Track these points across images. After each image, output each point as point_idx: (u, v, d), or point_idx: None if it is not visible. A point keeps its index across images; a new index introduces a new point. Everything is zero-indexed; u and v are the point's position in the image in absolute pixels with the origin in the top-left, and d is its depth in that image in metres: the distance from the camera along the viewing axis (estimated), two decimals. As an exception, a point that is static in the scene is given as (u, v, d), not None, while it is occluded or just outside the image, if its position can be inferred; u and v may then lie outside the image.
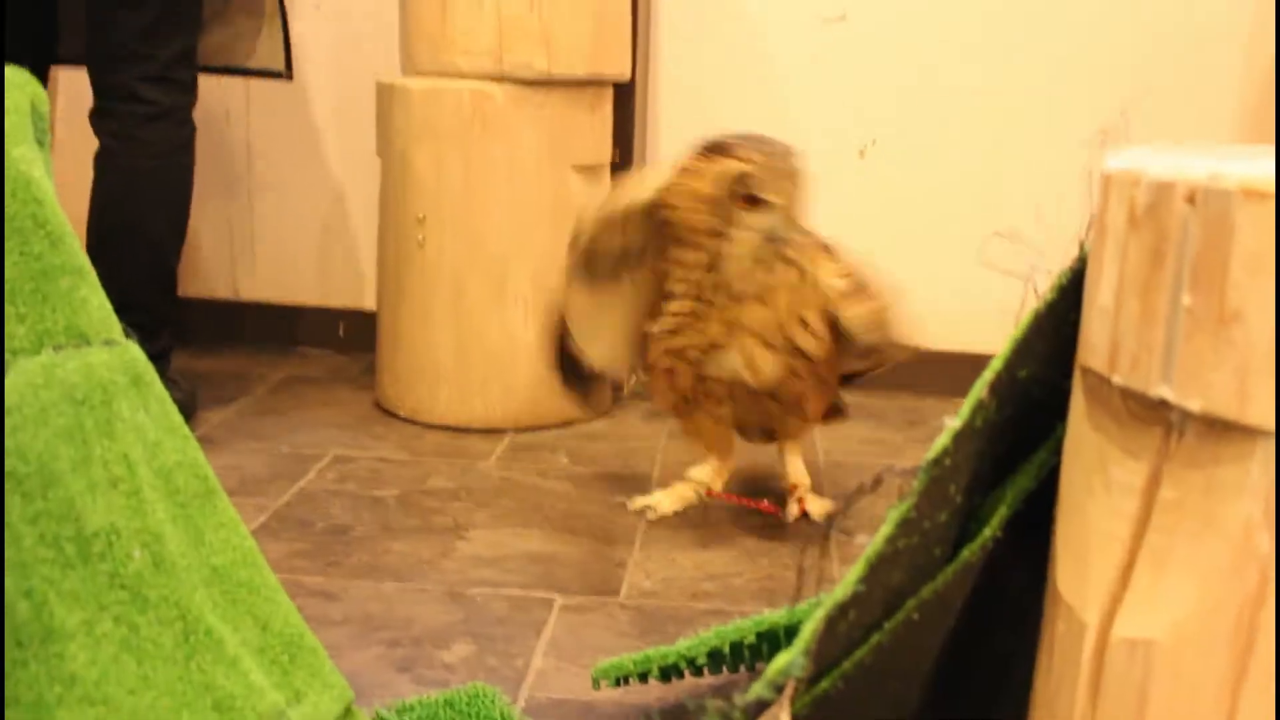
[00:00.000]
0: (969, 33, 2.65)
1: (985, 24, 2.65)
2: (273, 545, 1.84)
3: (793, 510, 2.03)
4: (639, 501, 2.06)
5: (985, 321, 2.20)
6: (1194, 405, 0.75)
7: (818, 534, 1.98)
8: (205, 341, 2.98)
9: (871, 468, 2.29)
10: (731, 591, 1.76)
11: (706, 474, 2.07)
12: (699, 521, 2.02)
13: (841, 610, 0.76)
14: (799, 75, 2.72)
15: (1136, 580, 0.80)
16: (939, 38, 2.66)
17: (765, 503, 2.05)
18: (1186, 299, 0.74)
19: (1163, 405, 0.77)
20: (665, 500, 2.05)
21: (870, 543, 0.77)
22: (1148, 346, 0.77)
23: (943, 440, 0.80)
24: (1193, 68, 2.59)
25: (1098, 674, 0.82)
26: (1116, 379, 0.80)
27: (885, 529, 0.77)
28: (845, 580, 0.77)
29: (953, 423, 0.80)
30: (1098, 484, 0.83)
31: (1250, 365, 0.72)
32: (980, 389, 0.83)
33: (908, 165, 2.72)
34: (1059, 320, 0.88)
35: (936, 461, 0.79)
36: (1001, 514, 0.88)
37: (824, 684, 0.81)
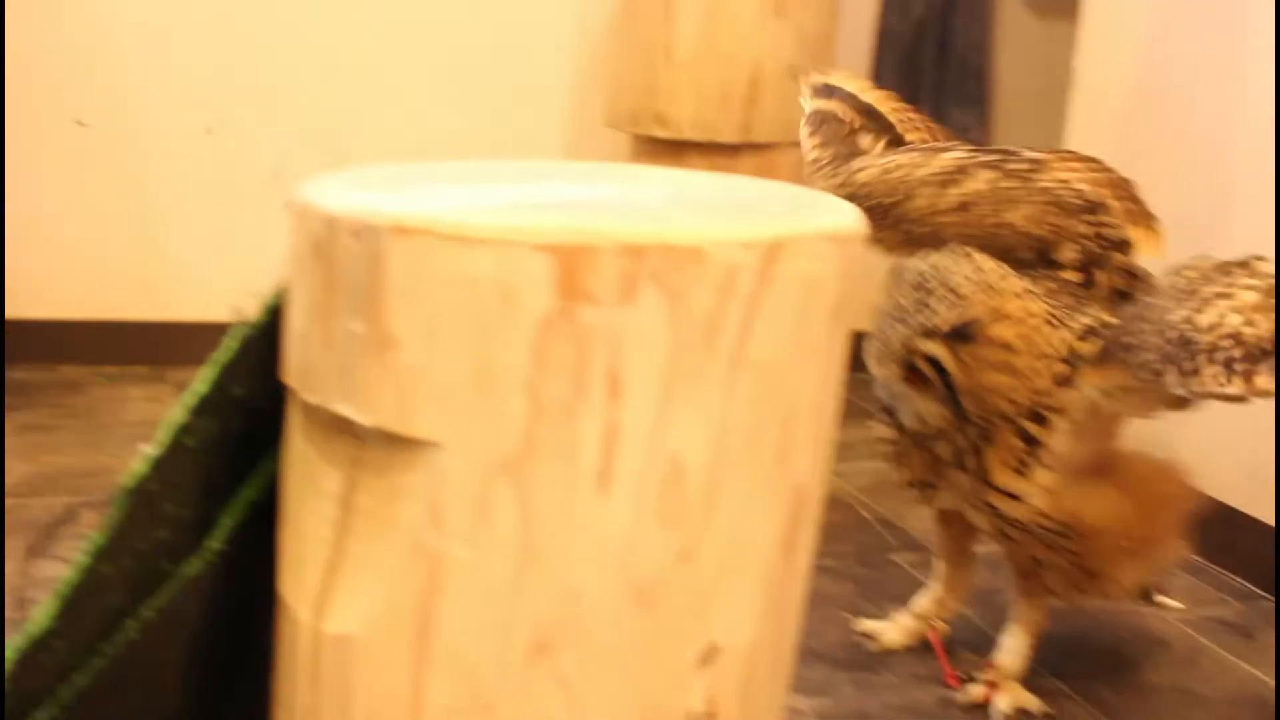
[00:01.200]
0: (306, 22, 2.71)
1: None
2: None
3: (974, 692, 1.61)
4: (865, 624, 1.76)
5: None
6: (367, 420, 0.82)
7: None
8: None
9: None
10: None
11: (928, 604, 1.74)
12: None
13: (38, 645, 0.78)
14: (144, 49, 2.65)
15: (338, 580, 0.87)
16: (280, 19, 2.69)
17: (951, 672, 1.66)
18: (355, 325, 0.81)
19: (349, 420, 0.84)
20: (890, 632, 1.74)
21: (64, 575, 0.79)
22: (329, 367, 0.84)
23: (139, 467, 0.83)
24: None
25: (313, 669, 0.89)
26: (309, 397, 0.86)
27: (80, 558, 0.79)
28: (40, 615, 0.78)
29: (149, 450, 0.83)
30: (309, 492, 0.89)
31: (408, 384, 0.80)
32: (183, 412, 0.86)
33: (254, 143, 2.73)
34: (271, 339, 0.92)
35: (134, 490, 0.82)
36: (226, 525, 0.92)
37: (40, 715, 0.83)
